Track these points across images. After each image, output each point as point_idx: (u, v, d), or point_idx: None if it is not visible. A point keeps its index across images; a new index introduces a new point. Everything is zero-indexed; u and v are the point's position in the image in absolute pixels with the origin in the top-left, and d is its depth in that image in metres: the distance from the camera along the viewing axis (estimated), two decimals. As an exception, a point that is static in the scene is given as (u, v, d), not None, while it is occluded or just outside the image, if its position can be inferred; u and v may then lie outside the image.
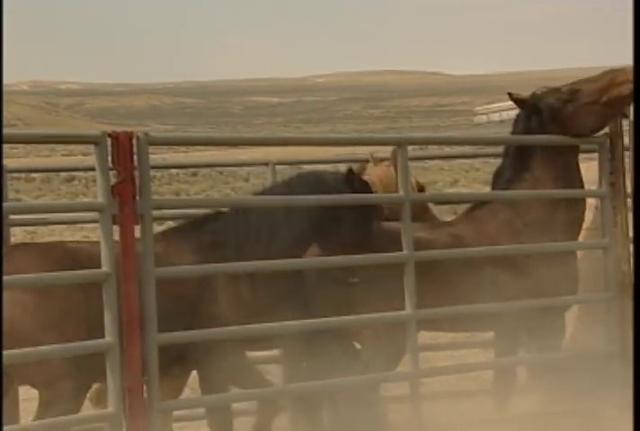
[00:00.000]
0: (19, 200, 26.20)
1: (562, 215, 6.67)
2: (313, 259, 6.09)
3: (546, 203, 6.65)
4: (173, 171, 41.49)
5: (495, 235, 6.57)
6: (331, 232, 6.03)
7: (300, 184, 6.10)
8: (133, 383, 5.22)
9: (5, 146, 6.15)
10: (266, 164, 8.11)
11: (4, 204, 6.06)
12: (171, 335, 5.48)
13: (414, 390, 6.12)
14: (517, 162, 6.70)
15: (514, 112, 8.10)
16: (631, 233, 6.95)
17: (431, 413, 6.29)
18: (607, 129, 6.92)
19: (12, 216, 6.82)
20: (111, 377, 5.16)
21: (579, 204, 6.82)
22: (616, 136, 6.89)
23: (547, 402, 6.88)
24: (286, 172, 8.27)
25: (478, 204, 6.79)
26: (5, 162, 7.55)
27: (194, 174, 47.74)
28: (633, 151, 6.73)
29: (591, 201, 7.09)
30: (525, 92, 6.91)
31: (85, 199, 28.36)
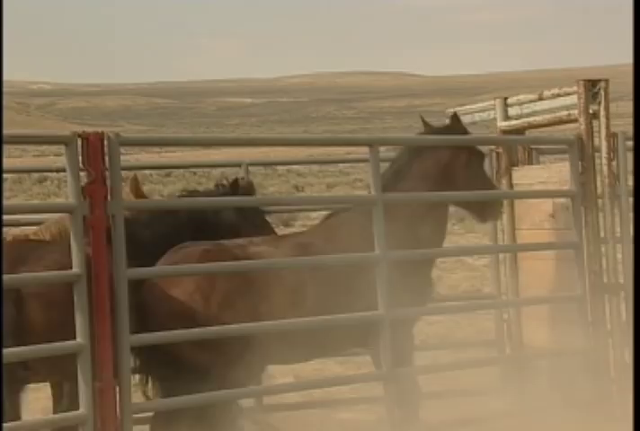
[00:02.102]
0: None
1: (426, 227, 6.45)
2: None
3: (410, 213, 6.41)
4: (147, 171, 41.37)
5: (347, 242, 6.30)
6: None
7: None
8: (105, 383, 5.20)
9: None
10: (239, 165, 8.11)
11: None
12: (142, 336, 5.47)
13: (387, 390, 6.13)
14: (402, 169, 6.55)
15: (486, 114, 8.17)
16: (602, 233, 7.00)
17: (403, 413, 6.29)
18: (577, 130, 6.97)
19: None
20: (81, 378, 5.13)
21: (443, 218, 6.61)
22: (586, 137, 6.93)
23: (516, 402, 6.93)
24: (259, 172, 8.26)
25: (335, 211, 6.62)
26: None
27: (167, 175, 47.65)
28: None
29: (562, 201, 7.13)
30: (497, 94, 6.92)
31: (58, 200, 28.21)
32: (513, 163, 7.87)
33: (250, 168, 8.05)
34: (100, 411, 5.16)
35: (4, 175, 6.95)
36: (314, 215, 26.66)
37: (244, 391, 6.12)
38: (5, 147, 6.24)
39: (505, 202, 7.64)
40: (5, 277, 5.26)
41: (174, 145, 8.05)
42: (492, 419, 6.56)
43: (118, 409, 5.24)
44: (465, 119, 8.31)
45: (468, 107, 8.44)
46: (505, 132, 7.88)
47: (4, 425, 5.23)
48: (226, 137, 9.17)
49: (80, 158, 5.21)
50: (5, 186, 41.82)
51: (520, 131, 7.88)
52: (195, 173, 49.31)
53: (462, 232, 23.32)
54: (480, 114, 8.20)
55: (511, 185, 7.81)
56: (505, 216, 7.75)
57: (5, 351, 5.03)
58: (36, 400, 6.51)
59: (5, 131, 5.43)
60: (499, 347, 8.08)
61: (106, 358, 5.21)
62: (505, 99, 7.93)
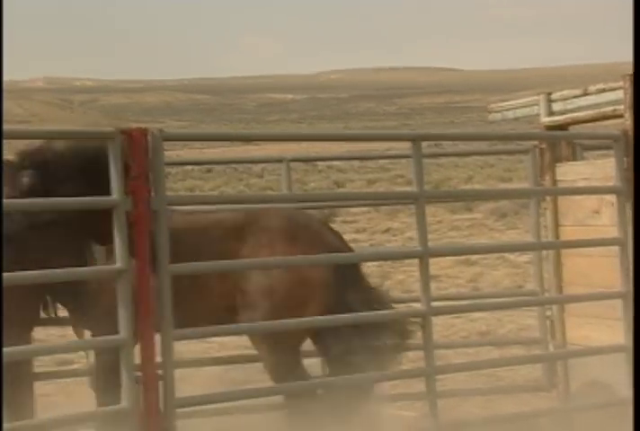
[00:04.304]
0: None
1: None
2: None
3: None
4: (188, 167, 41.50)
5: None
6: None
7: None
8: (148, 377, 5.21)
9: (21, 143, 6.15)
10: (280, 161, 8.11)
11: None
12: (186, 331, 5.49)
13: (430, 386, 6.10)
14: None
15: (529, 109, 8.09)
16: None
17: (445, 410, 6.26)
18: (622, 125, 6.89)
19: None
20: (125, 372, 5.15)
21: None
22: (632, 132, 6.83)
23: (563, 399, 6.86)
24: (300, 168, 8.24)
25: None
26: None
27: (209, 170, 47.75)
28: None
29: (606, 198, 7.05)
30: (539, 89, 6.84)
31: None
32: (557, 159, 7.79)
33: (291, 164, 8.05)
34: (143, 405, 5.18)
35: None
36: (354, 210, 26.71)
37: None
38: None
39: (548, 198, 7.60)
40: (45, 272, 5.28)
41: (217, 141, 8.10)
42: (533, 417, 6.50)
43: (161, 403, 5.24)
44: (507, 115, 8.25)
45: (511, 102, 8.37)
46: (549, 128, 7.79)
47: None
48: (268, 134, 9.21)
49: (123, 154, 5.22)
50: (48, 181, 42.04)
51: (563, 127, 7.79)
52: (236, 169, 49.39)
53: (503, 228, 23.17)
54: (523, 109, 8.11)
55: (554, 181, 7.73)
56: (548, 213, 7.68)
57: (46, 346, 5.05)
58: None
59: (51, 127, 5.47)
60: (542, 344, 8.01)
61: (149, 353, 5.22)
62: (549, 94, 7.84)
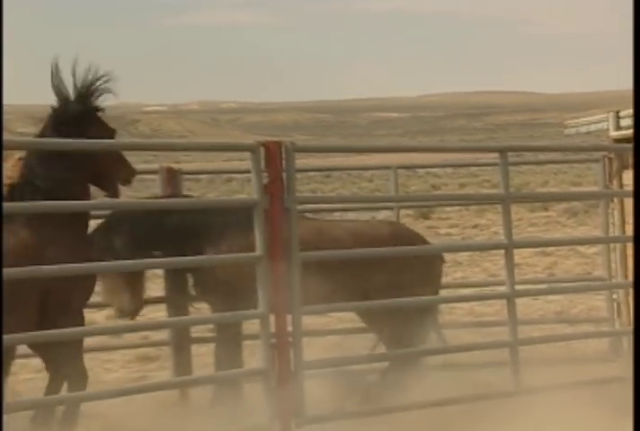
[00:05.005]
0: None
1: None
2: None
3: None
4: (311, 173, 41.77)
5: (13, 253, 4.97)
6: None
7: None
8: (281, 343, 5.26)
9: (179, 153, 6.29)
10: (388, 168, 8.09)
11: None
12: (310, 307, 5.51)
13: (514, 356, 6.02)
14: None
15: (599, 125, 7.89)
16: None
17: (524, 377, 6.15)
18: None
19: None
20: (262, 339, 5.20)
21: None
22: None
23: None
24: (403, 174, 8.22)
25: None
26: (180, 166, 7.72)
27: (328, 176, 47.96)
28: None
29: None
30: (608, 108, 6.62)
31: (242, 196, 28.76)
32: (624, 167, 7.59)
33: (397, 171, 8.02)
34: (277, 366, 5.23)
35: (201, 176, 7.08)
36: (448, 209, 26.54)
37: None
38: (202, 154, 6.39)
39: (616, 200, 7.46)
40: (198, 258, 5.39)
41: (339, 152, 8.08)
42: (601, 384, 6.32)
43: (292, 365, 5.28)
44: (581, 130, 8.05)
45: (584, 119, 8.18)
46: (616, 141, 7.59)
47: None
48: (377, 146, 9.16)
49: (262, 162, 5.28)
50: (201, 185, 42.96)
51: (629, 140, 7.57)
52: (350, 175, 49.52)
53: (575, 225, 22.75)
54: (594, 125, 7.92)
55: (621, 185, 7.55)
56: (616, 212, 7.53)
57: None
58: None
59: (202, 140, 5.56)
60: (609, 322, 7.80)
61: (282, 324, 5.27)
62: (617, 112, 7.65)
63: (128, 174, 5.66)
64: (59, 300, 5.19)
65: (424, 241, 6.47)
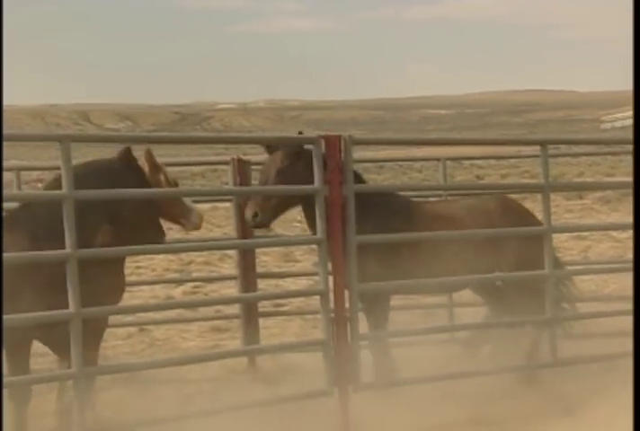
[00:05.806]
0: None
1: None
2: None
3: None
4: (366, 164, 41.67)
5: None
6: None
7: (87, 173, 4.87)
8: (339, 317, 5.25)
9: (247, 146, 6.30)
10: (438, 159, 8.00)
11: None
12: (367, 285, 5.49)
13: (552, 330, 5.94)
14: None
15: (632, 120, 7.66)
16: None
17: (563, 349, 6.08)
18: None
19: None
20: (322, 313, 5.21)
21: None
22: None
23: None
24: (450, 165, 8.14)
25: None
26: (249, 157, 7.71)
27: (381, 167, 47.78)
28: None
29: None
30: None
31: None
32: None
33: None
34: (336, 338, 5.23)
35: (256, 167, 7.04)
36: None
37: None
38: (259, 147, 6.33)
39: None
40: (266, 241, 5.38)
41: (394, 145, 7.99)
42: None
43: (349, 337, 5.27)
44: (616, 125, 7.87)
45: (618, 115, 7.98)
46: (648, 134, 7.36)
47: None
48: (427, 138, 9.04)
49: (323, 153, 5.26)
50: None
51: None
52: (401, 166, 49.23)
53: (608, 211, 22.33)
54: (629, 120, 7.73)
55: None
56: (648, 200, 7.29)
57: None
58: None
59: (268, 134, 5.53)
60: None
61: (340, 300, 5.26)
62: (650, 107, 7.41)
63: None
64: None
65: (531, 214, 6.42)
